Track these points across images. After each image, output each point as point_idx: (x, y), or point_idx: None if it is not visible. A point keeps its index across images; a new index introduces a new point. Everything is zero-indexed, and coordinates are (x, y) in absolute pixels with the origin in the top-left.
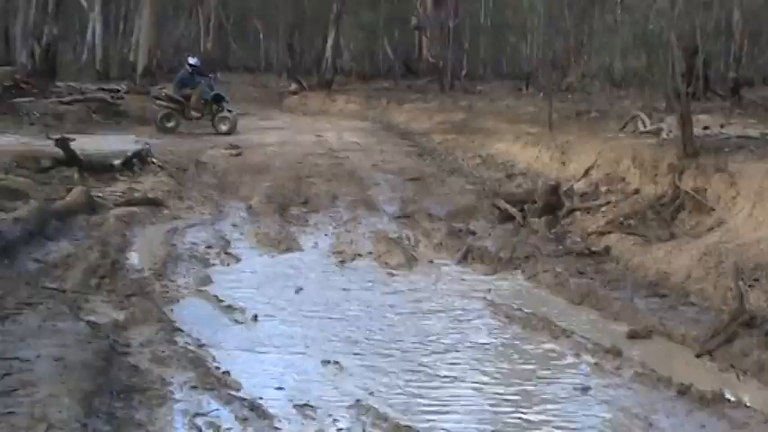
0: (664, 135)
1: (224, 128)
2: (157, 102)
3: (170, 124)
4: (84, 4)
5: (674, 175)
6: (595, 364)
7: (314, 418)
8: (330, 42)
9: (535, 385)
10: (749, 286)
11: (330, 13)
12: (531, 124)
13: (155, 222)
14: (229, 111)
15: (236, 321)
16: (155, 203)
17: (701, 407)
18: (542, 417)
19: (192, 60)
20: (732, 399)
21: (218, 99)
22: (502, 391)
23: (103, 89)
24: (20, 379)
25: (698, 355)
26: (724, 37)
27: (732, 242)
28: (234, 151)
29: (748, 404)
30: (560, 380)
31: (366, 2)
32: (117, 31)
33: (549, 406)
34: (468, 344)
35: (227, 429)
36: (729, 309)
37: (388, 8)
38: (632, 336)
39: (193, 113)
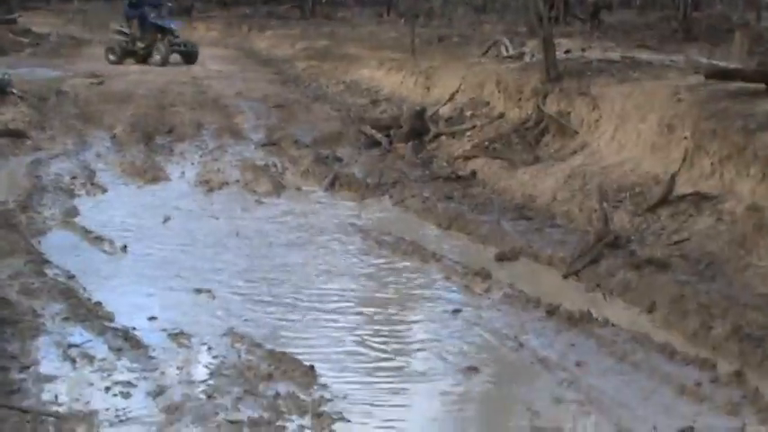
0: (527, 59)
1: (155, 59)
2: (111, 35)
3: (113, 57)
4: None
5: (538, 98)
6: (465, 286)
7: (188, 347)
8: None
9: (406, 309)
10: (613, 207)
11: None
12: (394, 50)
13: (17, 154)
14: (178, 44)
15: (106, 252)
16: (16, 135)
17: (569, 326)
18: (414, 339)
19: None
20: (599, 318)
21: (161, 28)
22: (373, 317)
23: None
24: None
25: (565, 276)
26: None
27: (596, 164)
28: (95, 80)
29: (615, 323)
30: (431, 303)
31: None
32: None
33: (420, 329)
34: (338, 270)
35: (102, 360)
36: (594, 230)
37: None
38: (500, 258)
39: (138, 45)
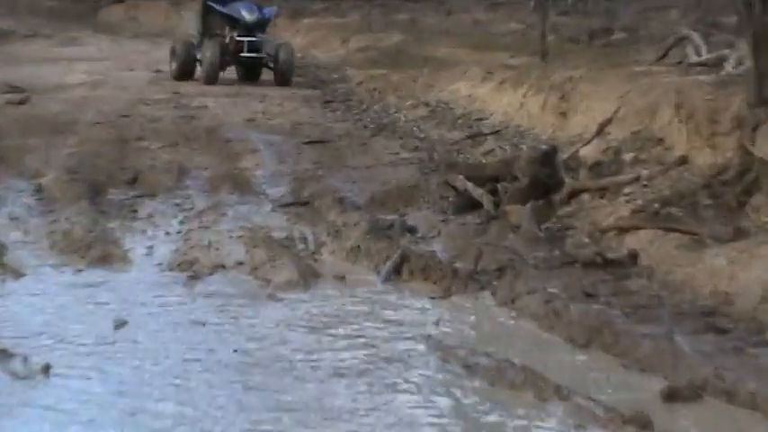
0: (728, 68)
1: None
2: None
3: (174, 67)
4: None
5: (744, 132)
6: None
7: None
8: None
9: None
10: None
11: None
12: (514, 52)
13: None
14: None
15: (15, 374)
16: None
17: None
18: None
19: None
20: None
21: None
22: None
23: None
24: None
25: None
26: None
27: None
28: (16, 96)
29: None
30: None
31: None
32: None
33: None
34: (405, 420)
35: None
36: None
37: None
38: (671, 396)
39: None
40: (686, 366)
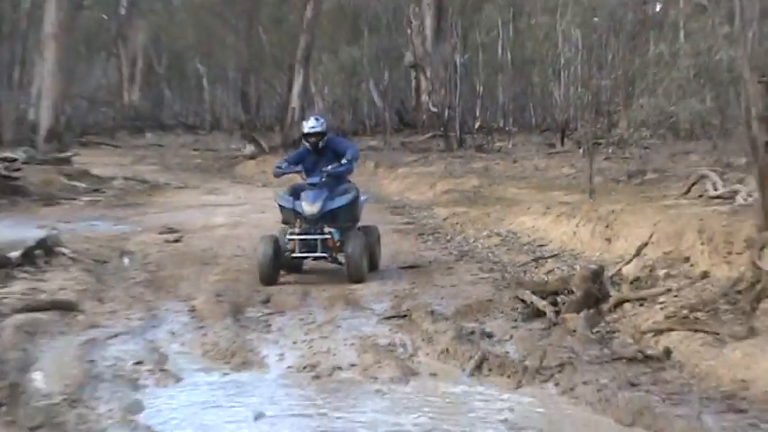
0: (740, 200)
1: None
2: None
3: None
4: None
5: (754, 251)
6: None
7: None
8: (297, 89)
9: None
10: None
11: (296, 51)
12: (567, 191)
13: (66, 332)
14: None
15: None
16: (66, 307)
17: None
18: None
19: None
20: None
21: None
22: None
23: None
24: None
25: None
26: None
27: None
28: (171, 236)
29: None
30: None
31: (344, 34)
32: (10, 80)
33: None
34: None
35: None
36: None
37: (374, 42)
38: None
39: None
40: None
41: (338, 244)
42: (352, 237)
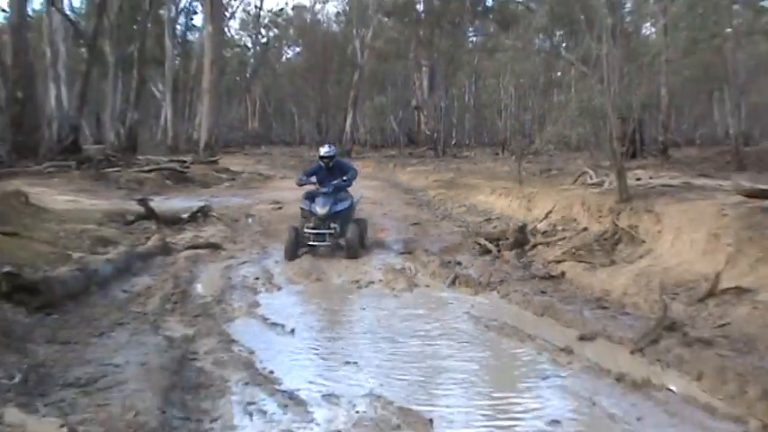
0: (605, 186)
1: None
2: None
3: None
4: (158, 94)
5: (613, 215)
6: (553, 359)
7: (338, 405)
8: (349, 120)
9: (505, 376)
10: (671, 299)
11: (348, 98)
12: (505, 180)
13: (214, 261)
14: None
15: (278, 334)
16: (214, 247)
17: (633, 390)
18: (517, 400)
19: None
20: (657, 384)
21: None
22: (482, 377)
23: (173, 160)
24: (114, 379)
25: (632, 352)
26: (655, 109)
27: (658, 266)
28: (276, 206)
29: (670, 388)
30: (527, 372)
31: (376, 89)
32: (183, 114)
33: (518, 392)
34: (455, 348)
35: (272, 414)
36: (656, 316)
37: (394, 93)
38: (582, 338)
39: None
40: (589, 324)
41: (339, 234)
42: (350, 228)
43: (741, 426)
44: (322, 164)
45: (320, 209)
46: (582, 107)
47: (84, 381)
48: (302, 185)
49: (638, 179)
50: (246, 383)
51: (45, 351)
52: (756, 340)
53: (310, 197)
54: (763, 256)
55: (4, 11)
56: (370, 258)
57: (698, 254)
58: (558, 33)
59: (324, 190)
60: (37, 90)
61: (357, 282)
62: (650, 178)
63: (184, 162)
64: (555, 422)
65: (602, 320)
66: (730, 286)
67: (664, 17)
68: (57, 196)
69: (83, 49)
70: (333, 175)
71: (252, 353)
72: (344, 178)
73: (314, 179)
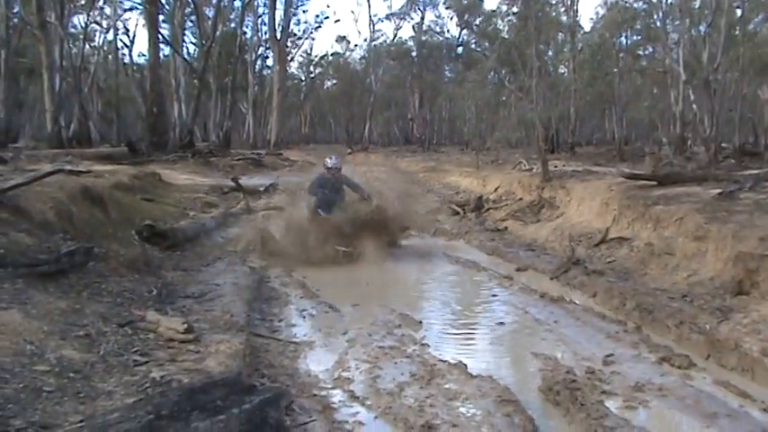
0: (534, 171)
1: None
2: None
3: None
4: (244, 110)
5: (539, 190)
6: (499, 283)
7: (360, 311)
8: (367, 127)
9: (467, 292)
10: (576, 244)
11: (366, 113)
12: (468, 167)
13: (280, 218)
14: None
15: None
16: (280, 208)
17: (551, 303)
18: (476, 309)
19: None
20: (567, 299)
21: None
22: (451, 292)
23: (254, 153)
24: (216, 294)
25: (551, 279)
26: (567, 121)
27: (568, 223)
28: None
29: (575, 302)
30: (482, 291)
31: (385, 106)
32: (260, 123)
33: (477, 304)
34: (436, 274)
35: (315, 315)
36: (566, 256)
37: (396, 110)
38: (518, 269)
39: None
40: (523, 261)
41: None
42: None
43: (621, 326)
44: (329, 175)
45: (325, 214)
46: (519, 119)
47: (197, 294)
48: (313, 193)
49: (556, 167)
50: (302, 297)
51: (171, 275)
52: (632, 271)
53: (320, 202)
54: (636, 217)
55: (144, 56)
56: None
57: (594, 215)
58: (503, 71)
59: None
60: (165, 107)
61: None
62: (563, 166)
63: (260, 154)
64: (500, 323)
65: (531, 258)
66: (615, 236)
67: (573, 61)
68: (178, 176)
69: (195, 81)
70: (337, 184)
71: (305, 278)
72: (364, 196)
73: (320, 189)
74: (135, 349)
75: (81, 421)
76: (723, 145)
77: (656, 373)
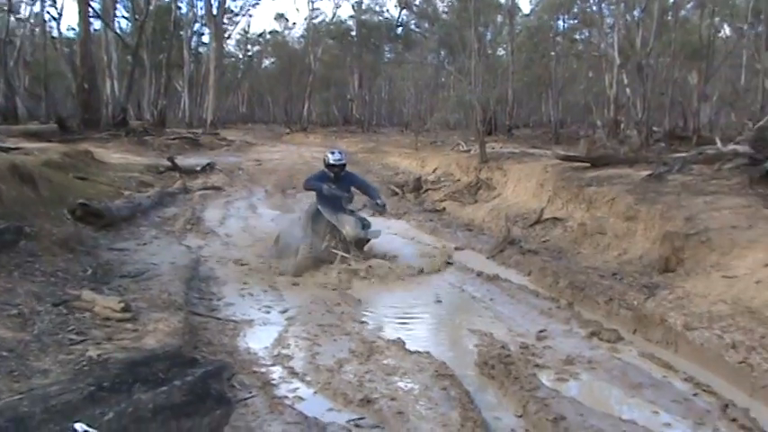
0: (472, 152)
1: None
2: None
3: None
4: (179, 88)
5: (477, 171)
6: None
7: (299, 290)
8: (306, 107)
9: (410, 272)
10: (512, 224)
11: (305, 92)
12: (407, 148)
13: (217, 197)
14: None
15: (264, 243)
16: (218, 188)
17: (488, 281)
18: (413, 286)
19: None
20: (503, 277)
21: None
22: (395, 275)
23: (190, 132)
24: (153, 273)
25: (487, 258)
26: (504, 103)
27: (505, 204)
28: (257, 163)
29: (510, 280)
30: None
31: (324, 86)
32: (196, 102)
33: (417, 282)
34: (380, 251)
35: (257, 295)
36: (502, 236)
37: (335, 90)
38: (457, 249)
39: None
40: (461, 240)
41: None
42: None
43: (554, 303)
44: (331, 174)
45: (351, 230)
46: (458, 101)
47: (134, 273)
48: (309, 190)
49: (493, 148)
50: (240, 276)
51: (107, 255)
52: (566, 250)
53: (331, 209)
54: (570, 198)
55: (74, 29)
56: None
57: (530, 196)
58: (443, 53)
59: (346, 202)
60: (97, 83)
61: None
62: (501, 148)
63: (197, 133)
64: (438, 301)
65: (469, 238)
66: (550, 217)
67: (512, 43)
68: (112, 154)
69: (129, 57)
70: (340, 184)
71: (243, 256)
72: (378, 202)
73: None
74: (70, 328)
75: (21, 393)
76: (654, 129)
77: (585, 347)
